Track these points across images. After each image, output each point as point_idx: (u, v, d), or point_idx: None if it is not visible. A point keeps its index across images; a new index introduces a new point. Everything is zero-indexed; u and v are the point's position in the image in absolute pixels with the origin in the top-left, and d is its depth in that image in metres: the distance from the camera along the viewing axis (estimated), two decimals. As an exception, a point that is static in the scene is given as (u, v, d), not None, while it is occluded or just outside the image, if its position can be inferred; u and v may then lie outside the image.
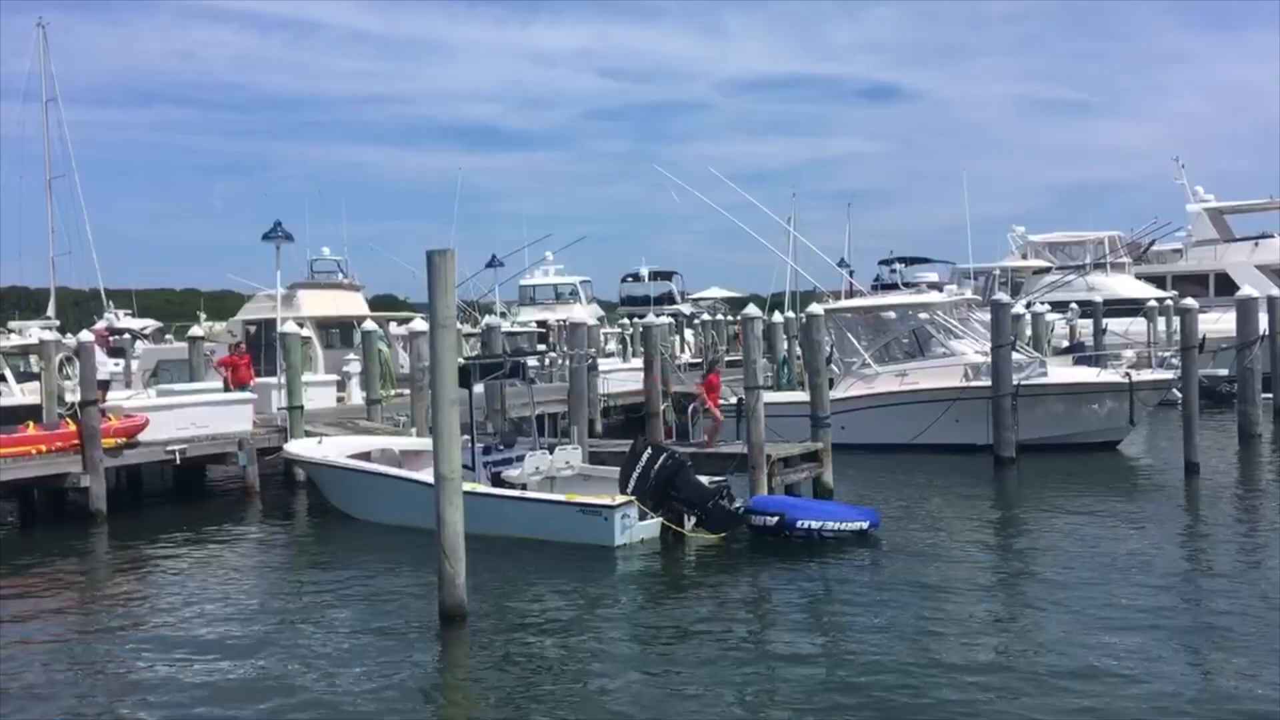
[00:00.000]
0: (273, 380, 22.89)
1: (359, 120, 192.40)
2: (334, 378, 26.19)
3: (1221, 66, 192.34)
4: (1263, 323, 27.39)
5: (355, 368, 26.06)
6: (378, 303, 43.28)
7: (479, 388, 17.50)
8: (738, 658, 10.39)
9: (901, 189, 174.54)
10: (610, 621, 11.98)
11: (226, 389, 22.25)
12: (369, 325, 24.64)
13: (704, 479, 15.73)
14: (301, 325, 25.10)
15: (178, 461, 19.73)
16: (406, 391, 22.98)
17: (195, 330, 27.65)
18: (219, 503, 20.37)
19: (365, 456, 18.45)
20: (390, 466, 17.75)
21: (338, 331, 29.54)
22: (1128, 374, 23.62)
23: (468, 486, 15.80)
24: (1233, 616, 11.10)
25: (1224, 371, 26.43)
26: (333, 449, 18.76)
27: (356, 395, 25.60)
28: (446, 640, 11.24)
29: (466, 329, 35.46)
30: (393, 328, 29.38)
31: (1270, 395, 27.82)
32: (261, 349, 26.22)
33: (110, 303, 40.63)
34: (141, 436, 19.15)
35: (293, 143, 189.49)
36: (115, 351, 31.07)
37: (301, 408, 20.90)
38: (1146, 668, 9.60)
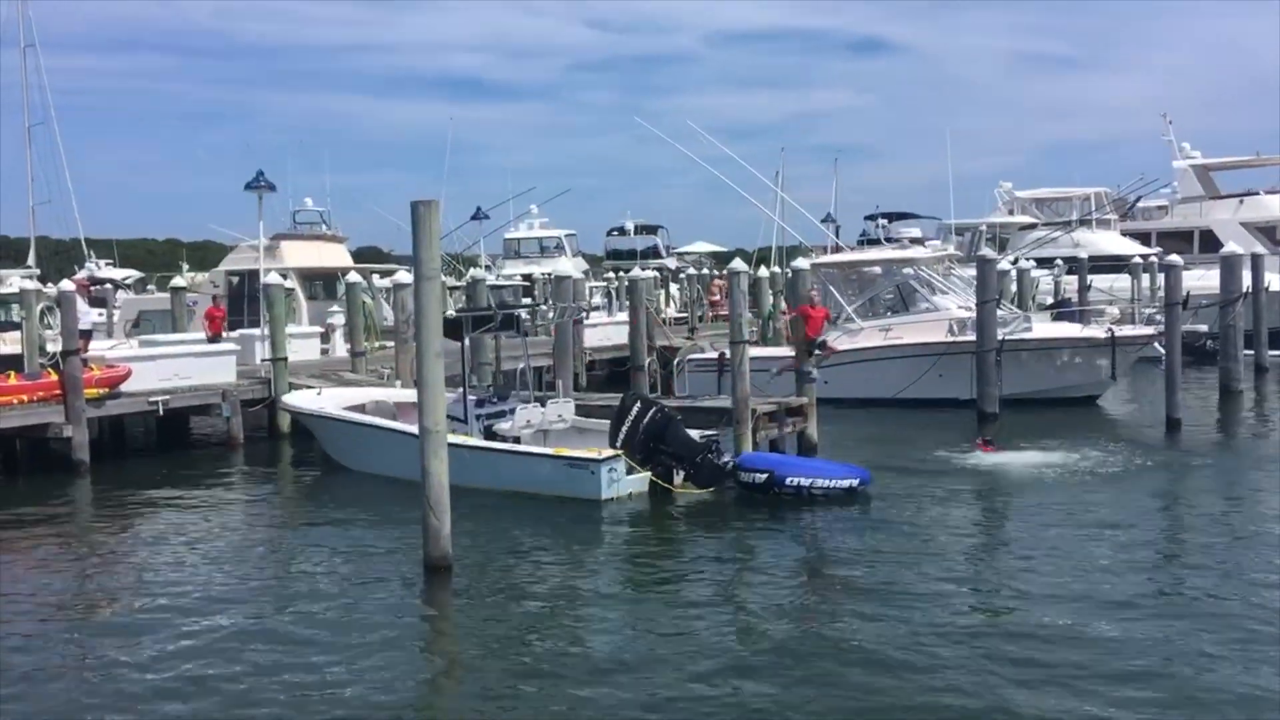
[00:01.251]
0: (256, 332, 22.78)
1: (342, 69, 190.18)
2: (318, 330, 26.10)
3: (1212, 21, 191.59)
4: (1246, 280, 27.51)
5: (339, 320, 25.97)
6: (362, 254, 43.08)
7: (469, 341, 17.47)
8: (721, 611, 10.45)
9: (889, 144, 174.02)
10: (592, 573, 12.07)
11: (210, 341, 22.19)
12: (353, 277, 24.53)
13: (694, 433, 15.77)
14: (285, 276, 24.97)
15: (160, 413, 19.67)
16: (390, 344, 22.93)
17: (177, 281, 27.53)
18: (202, 454, 20.34)
19: (360, 409, 18.44)
20: (384, 418, 17.72)
21: (321, 283, 29.40)
22: (1110, 329, 23.74)
23: (458, 439, 15.95)
24: (1207, 574, 11.25)
25: (1203, 328, 26.56)
26: (330, 401, 18.72)
27: (340, 347, 25.53)
28: (430, 591, 11.30)
29: (451, 282, 35.32)
30: (376, 280, 29.26)
31: (1251, 352, 28.05)
32: (245, 300, 26.09)
33: (91, 252, 40.30)
34: (124, 387, 19.07)
35: (276, 91, 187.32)
36: (97, 301, 30.84)
37: (285, 359, 20.84)
38: (1122, 627, 9.68)
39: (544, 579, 11.79)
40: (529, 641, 9.76)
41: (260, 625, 10.30)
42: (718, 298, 38.16)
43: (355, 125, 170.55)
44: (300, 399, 19.13)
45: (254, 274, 24.03)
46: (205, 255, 56.26)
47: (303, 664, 9.27)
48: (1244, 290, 26.34)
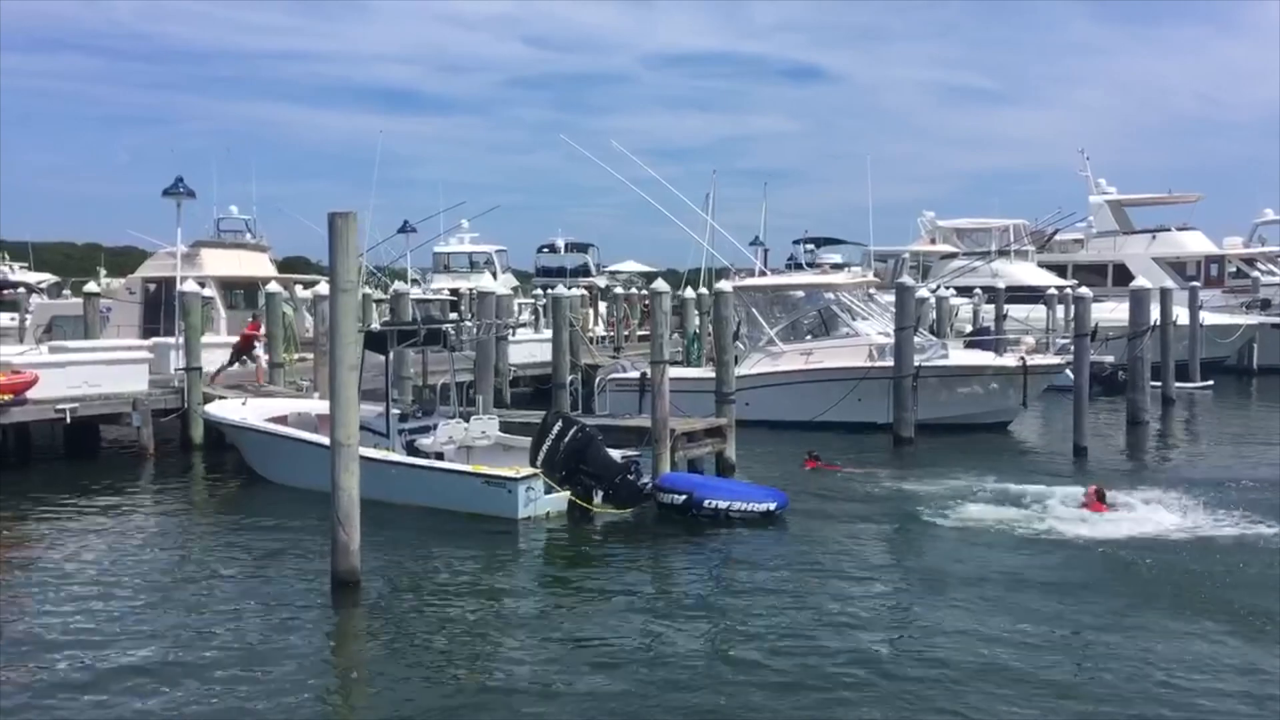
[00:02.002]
0: (171, 340, 22.36)
1: (272, 77, 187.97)
2: (237, 339, 25.66)
3: (1129, 60, 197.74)
4: (1155, 313, 28.37)
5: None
6: (289, 264, 42.48)
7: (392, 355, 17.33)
8: (631, 632, 10.46)
9: (820, 169, 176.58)
10: (502, 591, 12.02)
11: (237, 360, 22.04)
12: (273, 287, 24.20)
13: (615, 453, 15.80)
14: (203, 285, 24.55)
15: (68, 420, 19.20)
16: (310, 355, 22.66)
17: (91, 286, 26.88)
18: (111, 464, 19.87)
19: (283, 421, 18.20)
20: (306, 431, 17.49)
21: (242, 292, 28.94)
22: (1021, 358, 24.34)
23: (377, 454, 15.88)
24: (1114, 583, 11.58)
25: (1109, 359, 27.37)
26: (253, 412, 18.45)
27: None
28: (337, 607, 11.18)
29: (377, 295, 35.03)
30: (299, 290, 28.89)
31: (1159, 384, 28.92)
32: (161, 308, 25.59)
33: (4, 255, 39.20)
34: (31, 394, 18.57)
35: (204, 97, 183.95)
36: (9, 305, 30.05)
37: (200, 369, 20.47)
38: (1029, 648, 9.94)
39: (453, 596, 11.73)
40: (434, 658, 9.71)
41: (159, 641, 10.10)
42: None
43: (285, 134, 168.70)
44: (223, 409, 18.83)
45: (171, 281, 23.58)
46: (126, 261, 54.94)
47: (200, 680, 9.12)
48: (1152, 323, 27.15)
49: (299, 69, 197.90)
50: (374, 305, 33.34)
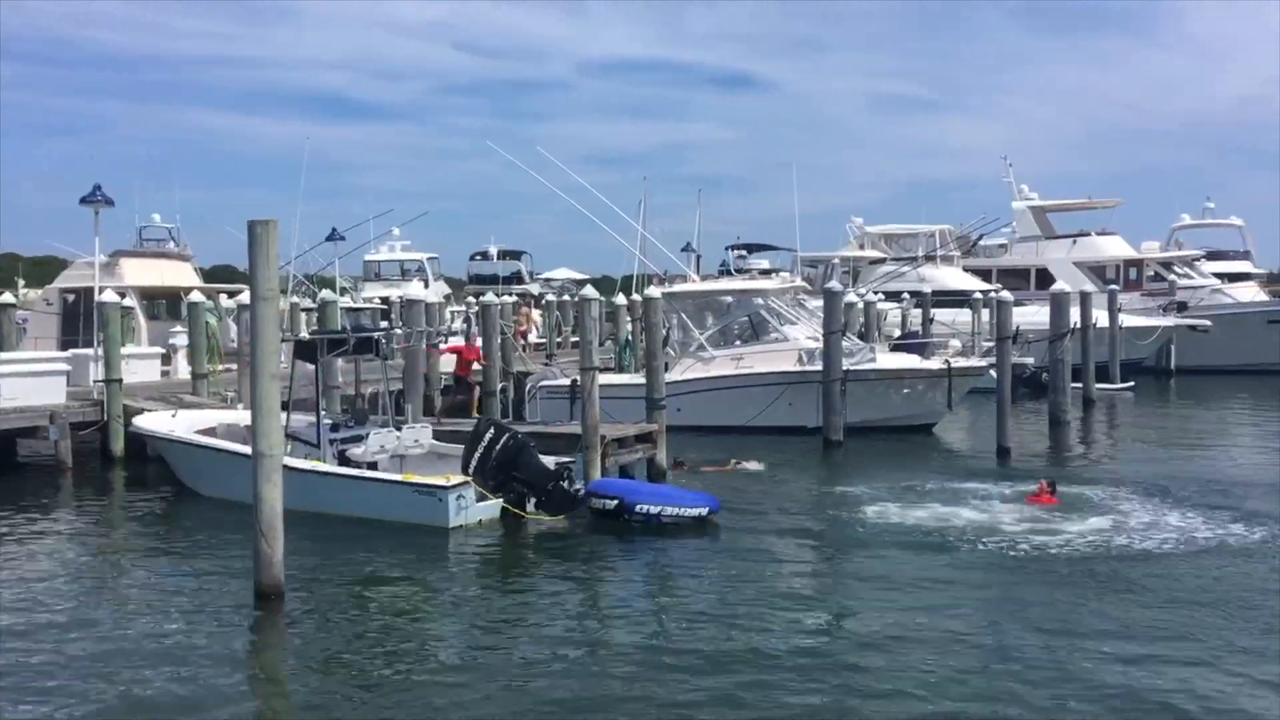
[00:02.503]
0: (89, 352, 21.87)
1: (201, 83, 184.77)
2: (159, 350, 25.21)
3: (1058, 70, 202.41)
4: (1075, 316, 29.06)
5: (182, 340, 25.13)
6: (216, 274, 41.80)
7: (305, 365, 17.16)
8: (563, 640, 10.43)
9: (756, 176, 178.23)
10: (431, 602, 11.95)
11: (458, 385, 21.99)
12: (196, 296, 23.79)
13: (549, 460, 15.78)
14: (123, 295, 24.06)
15: (-18, 435, 18.68)
16: (235, 366, 22.31)
17: (7, 297, 26.16)
18: (28, 479, 19.33)
19: (211, 433, 17.92)
20: (235, 442, 17.22)
21: (164, 302, 28.41)
22: (946, 362, 24.78)
23: (307, 464, 15.73)
24: (1028, 582, 11.85)
25: (1030, 361, 27.98)
26: (183, 424, 18.13)
27: (183, 369, 24.69)
28: (261, 621, 11.02)
29: (305, 303, 34.59)
30: (224, 300, 28.42)
31: (1080, 385, 29.62)
32: (80, 319, 25.03)
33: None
34: (-59, 408, 18.04)
35: (129, 104, 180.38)
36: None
37: (120, 381, 20.04)
38: (953, 645, 10.12)
39: (380, 607, 11.62)
40: (357, 671, 9.61)
41: (77, 658, 9.86)
42: (525, 327, 37.63)
43: (214, 141, 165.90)
44: (151, 422, 18.48)
45: (90, 292, 23.06)
46: (46, 271, 53.65)
47: (118, 697, 8.93)
48: (1073, 326, 27.80)
49: (229, 75, 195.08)
50: (302, 314, 32.90)
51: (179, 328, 25.94)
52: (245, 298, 22.30)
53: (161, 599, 11.83)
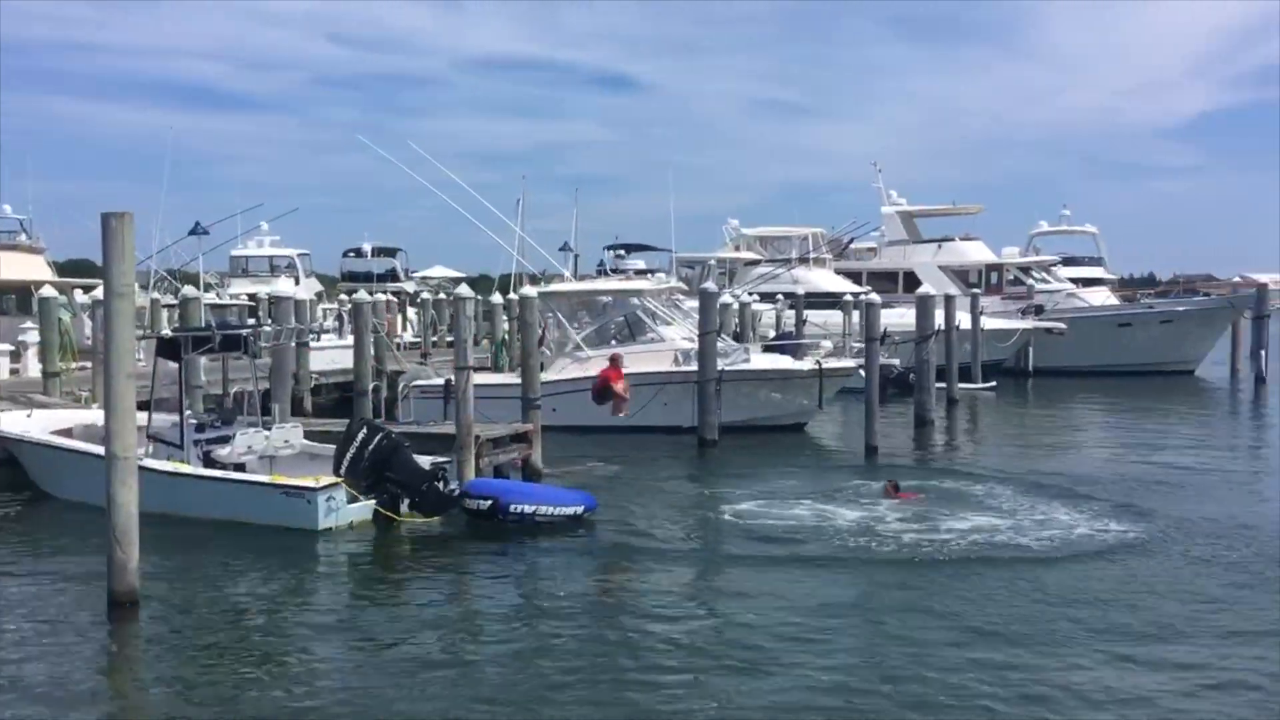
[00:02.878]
0: (-69, 349, 20.70)
1: (59, 69, 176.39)
2: (8, 347, 24.00)
3: (926, 79, 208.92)
4: (940, 319, 30.01)
5: (33, 337, 23.96)
6: (72, 267, 39.94)
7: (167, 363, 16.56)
8: (430, 644, 10.27)
9: (635, 177, 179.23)
10: (296, 607, 11.66)
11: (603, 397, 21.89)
12: (48, 291, 22.71)
13: (426, 460, 15.54)
14: (-32, 289, 22.84)
15: None
16: (89, 364, 21.38)
17: None
18: None
19: (68, 433, 17.13)
20: (91, 443, 16.48)
21: (14, 298, 27.07)
22: (817, 362, 25.32)
23: (170, 466, 15.18)
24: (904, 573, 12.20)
25: (896, 361, 28.77)
26: (38, 424, 17.27)
27: (34, 367, 23.56)
28: (115, 629, 10.60)
29: (167, 300, 33.39)
30: (79, 295, 27.23)
31: (944, 385, 30.60)
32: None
33: None
34: None
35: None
36: None
37: (-35, 379, 18.98)
38: (835, 633, 10.39)
39: (241, 614, 11.29)
40: (216, 680, 9.29)
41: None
42: (388, 329, 36.85)
43: (73, 130, 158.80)
44: (5, 421, 17.58)
45: (-70, 286, 21.82)
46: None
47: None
48: (938, 328, 28.71)
49: (89, 62, 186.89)
50: (164, 311, 31.75)
51: (30, 324, 24.72)
52: (100, 293, 21.42)
53: (6, 607, 11.28)
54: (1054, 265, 47.53)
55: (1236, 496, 17.63)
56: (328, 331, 34.58)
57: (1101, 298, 46.01)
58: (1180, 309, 43.04)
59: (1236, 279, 48.28)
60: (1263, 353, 39.23)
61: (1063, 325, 40.84)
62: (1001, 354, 39.37)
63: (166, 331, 18.26)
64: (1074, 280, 46.77)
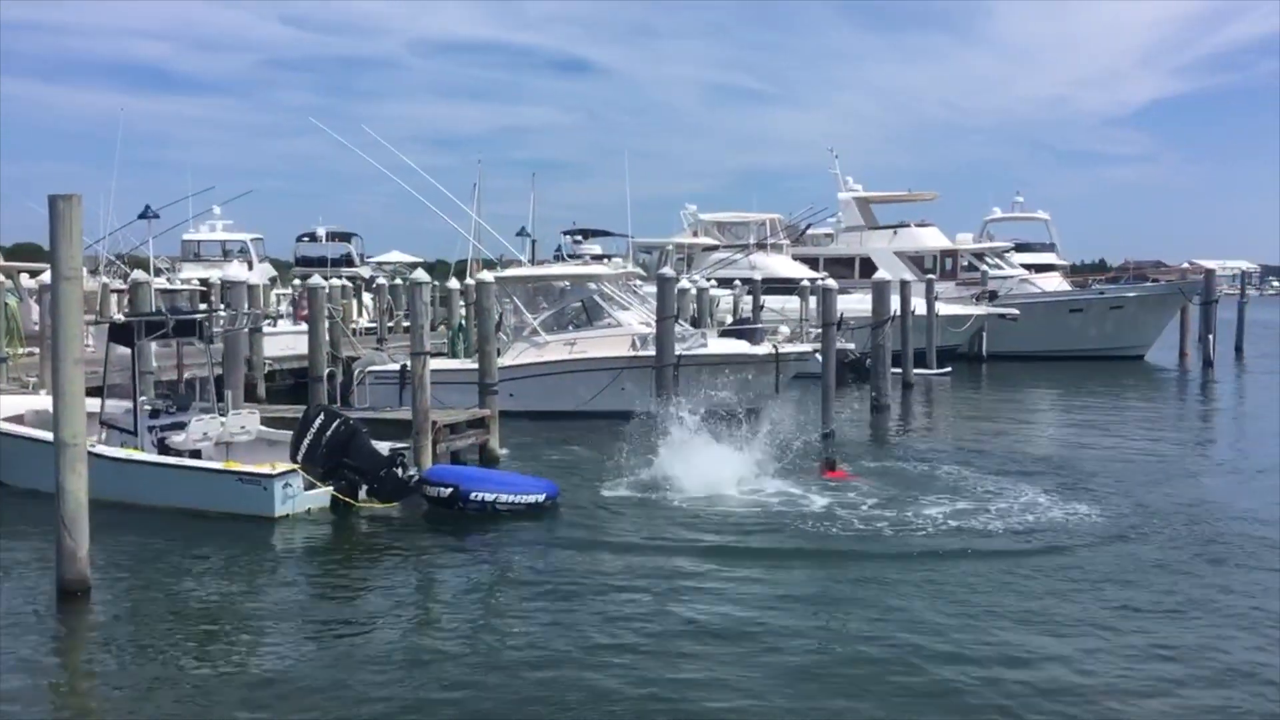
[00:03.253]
0: None
1: (3, 49, 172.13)
2: None
3: (883, 66, 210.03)
4: (895, 304, 30.25)
5: (-23, 322, 23.43)
6: (20, 251, 39.20)
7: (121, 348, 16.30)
8: (386, 634, 10.18)
9: (592, 161, 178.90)
10: (250, 595, 11.53)
11: None
12: (-6, 276, 22.25)
13: (384, 445, 15.42)
14: (-90, 273, 22.30)
15: None
16: (37, 350, 20.99)
17: None
18: None
19: (19, 420, 16.82)
20: (43, 430, 16.17)
21: (-42, 282, 26.40)
22: (774, 347, 25.43)
23: (121, 453, 14.98)
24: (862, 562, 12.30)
25: (852, 346, 28.91)
26: None
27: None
28: (65, 618, 10.46)
29: (117, 284, 32.83)
30: (24, 279, 26.70)
31: (899, 370, 30.86)
32: None
33: None
34: None
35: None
36: None
37: (-95, 365, 18.56)
38: (791, 618, 10.44)
39: (195, 602, 11.15)
40: (166, 671, 9.16)
41: None
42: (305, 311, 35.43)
43: (18, 110, 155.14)
44: None
45: None
46: None
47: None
48: (893, 313, 28.93)
49: (34, 41, 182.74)
50: (113, 295, 31.23)
51: (-26, 309, 24.17)
52: (47, 277, 21.01)
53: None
54: (1007, 251, 48.02)
55: (1185, 478, 18.00)
56: (282, 317, 34.24)
57: (1054, 284, 46.57)
58: (1130, 295, 43.70)
59: (1185, 265, 49.05)
60: (1210, 337, 39.99)
61: (1016, 311, 41.33)
62: (956, 339, 39.77)
63: (119, 316, 17.96)
64: (1027, 266, 47.28)
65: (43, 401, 17.93)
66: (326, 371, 22.15)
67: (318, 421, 15.09)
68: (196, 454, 15.58)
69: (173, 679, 8.97)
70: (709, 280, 36.66)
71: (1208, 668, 9.21)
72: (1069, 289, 46.98)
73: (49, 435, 15.50)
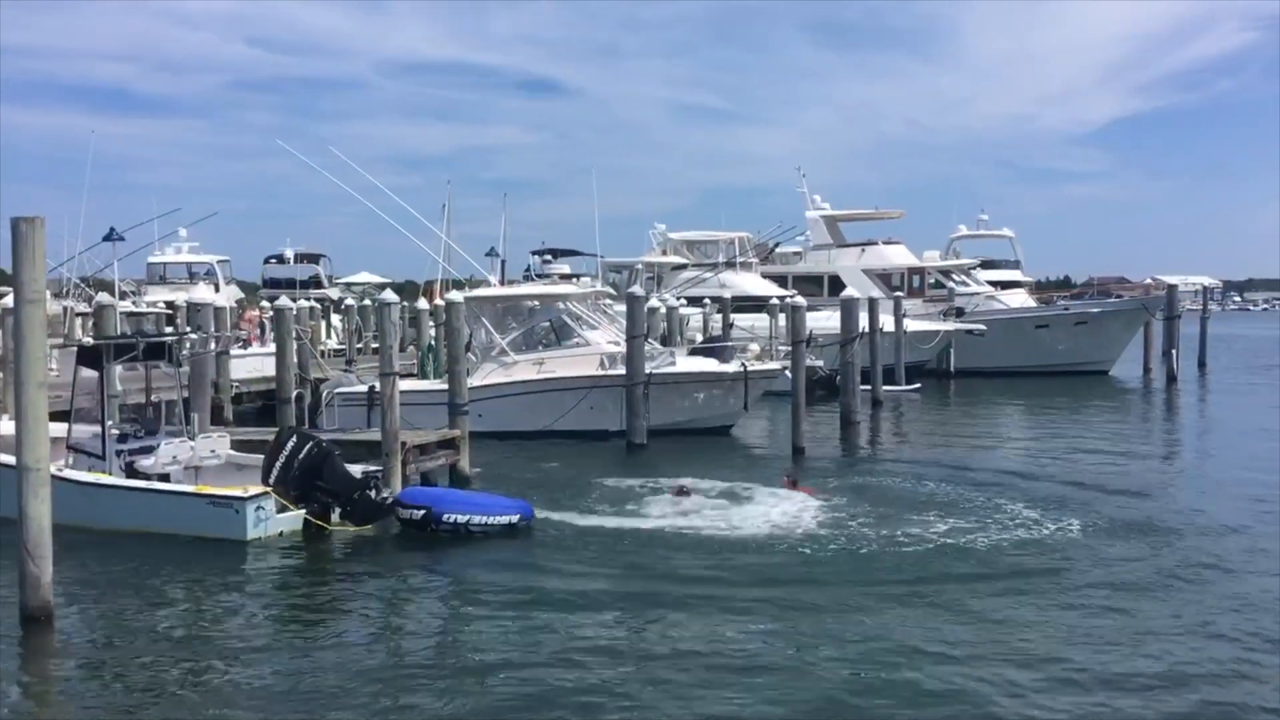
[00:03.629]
0: None
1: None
2: None
3: (847, 85, 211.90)
4: (864, 321, 30.43)
5: (-63, 347, 23.10)
6: (-21, 275, 38.60)
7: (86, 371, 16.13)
8: (360, 658, 10.08)
9: (560, 181, 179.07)
10: (220, 621, 11.41)
11: None
12: (-48, 299, 21.95)
13: (357, 468, 15.32)
14: None
15: None
16: None
17: None
18: None
19: None
20: (8, 454, 15.93)
21: (-83, 306, 26.04)
22: (743, 365, 25.52)
23: (89, 477, 14.81)
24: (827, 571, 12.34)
25: (820, 363, 29.01)
26: None
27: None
28: (28, 646, 10.31)
29: (81, 308, 32.50)
30: (-14, 303, 26.32)
31: (869, 387, 31.03)
32: None
33: None
34: None
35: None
36: None
37: None
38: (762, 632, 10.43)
39: (162, 628, 11.02)
40: (132, 699, 9.04)
41: None
42: (247, 333, 33.38)
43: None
44: None
45: None
46: None
47: None
48: (861, 331, 29.11)
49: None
50: (78, 319, 30.91)
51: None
52: (10, 300, 20.76)
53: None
54: (973, 268, 48.45)
55: (1152, 491, 18.17)
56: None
57: (1019, 300, 47.00)
58: (1095, 311, 44.19)
59: (1148, 281, 49.63)
60: (1174, 352, 40.46)
61: (983, 327, 41.68)
62: (924, 355, 40.03)
63: (87, 339, 17.78)
64: (992, 283, 47.68)
65: (5, 426, 17.70)
66: (294, 393, 22.06)
67: (290, 444, 14.98)
68: (165, 478, 15.43)
69: (136, 705, 8.86)
70: (679, 299, 36.74)
71: (1182, 691, 9.31)
72: (1034, 305, 47.43)
73: (10, 459, 15.40)
